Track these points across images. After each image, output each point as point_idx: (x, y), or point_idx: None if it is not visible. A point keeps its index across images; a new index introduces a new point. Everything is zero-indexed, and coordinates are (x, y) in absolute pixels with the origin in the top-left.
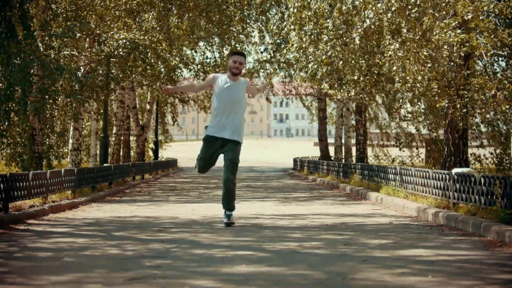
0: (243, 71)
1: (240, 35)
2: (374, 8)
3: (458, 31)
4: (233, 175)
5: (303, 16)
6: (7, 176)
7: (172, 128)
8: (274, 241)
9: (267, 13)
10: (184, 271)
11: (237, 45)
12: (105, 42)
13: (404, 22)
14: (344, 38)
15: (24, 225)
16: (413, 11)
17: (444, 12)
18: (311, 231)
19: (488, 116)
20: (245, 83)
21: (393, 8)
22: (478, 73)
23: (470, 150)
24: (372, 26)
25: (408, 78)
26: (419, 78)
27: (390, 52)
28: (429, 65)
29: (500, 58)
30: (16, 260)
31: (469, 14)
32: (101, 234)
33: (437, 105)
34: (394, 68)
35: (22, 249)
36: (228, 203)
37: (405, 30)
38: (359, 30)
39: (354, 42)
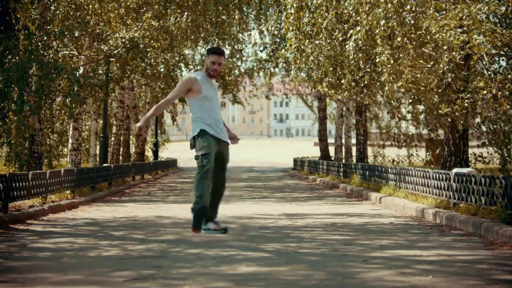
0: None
1: (239, 34)
2: (370, 13)
3: (459, 30)
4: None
5: (301, 15)
6: (6, 176)
7: (171, 128)
8: (275, 241)
9: (266, 12)
10: (184, 271)
11: (236, 46)
12: (104, 41)
13: (399, 27)
14: (340, 39)
15: (23, 225)
16: (409, 16)
17: (444, 12)
18: (311, 231)
19: (488, 115)
20: (216, 84)
21: (389, 15)
22: (478, 73)
23: (470, 150)
24: (365, 36)
25: (400, 84)
26: (410, 84)
27: (383, 58)
28: (419, 72)
29: (501, 58)
30: (16, 260)
31: (468, 16)
32: (100, 234)
33: (440, 111)
34: (385, 77)
35: (22, 249)
36: (217, 210)
37: (399, 38)
38: (352, 39)
39: (349, 51)
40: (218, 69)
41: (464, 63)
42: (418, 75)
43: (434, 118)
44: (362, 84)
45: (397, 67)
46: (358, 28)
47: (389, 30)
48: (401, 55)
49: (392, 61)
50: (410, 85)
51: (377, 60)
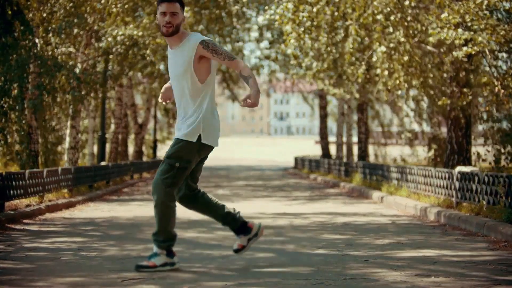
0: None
1: (239, 31)
2: (368, 8)
3: (460, 30)
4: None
5: (300, 9)
6: (2, 174)
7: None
8: (275, 241)
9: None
10: (184, 271)
11: (235, 43)
12: (103, 38)
13: (398, 22)
14: (339, 35)
15: (20, 225)
16: (409, 11)
17: (446, 7)
18: (312, 231)
19: (492, 112)
20: (194, 46)
21: (387, 10)
22: (481, 70)
23: (473, 149)
24: (358, 29)
25: (393, 82)
26: (403, 81)
27: (379, 54)
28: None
29: (505, 55)
30: (13, 260)
31: (467, 15)
32: (99, 234)
33: (439, 103)
34: (378, 71)
35: (19, 249)
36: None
37: (399, 32)
38: (341, 34)
39: (345, 45)
40: (172, 20)
41: (468, 60)
42: (411, 70)
43: (436, 112)
44: (356, 78)
45: (391, 65)
46: (351, 22)
47: (388, 24)
48: (400, 48)
49: (387, 59)
50: (401, 85)
51: (373, 59)
